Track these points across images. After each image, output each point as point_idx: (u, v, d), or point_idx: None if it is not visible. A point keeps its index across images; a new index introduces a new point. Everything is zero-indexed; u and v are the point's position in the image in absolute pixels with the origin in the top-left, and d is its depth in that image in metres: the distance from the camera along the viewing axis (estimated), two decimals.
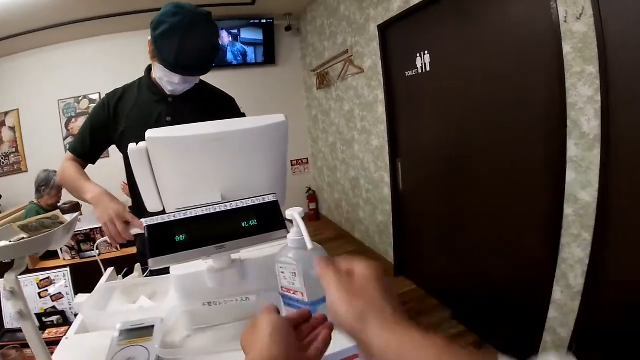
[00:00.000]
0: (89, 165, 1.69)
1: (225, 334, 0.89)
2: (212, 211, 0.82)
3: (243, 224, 0.82)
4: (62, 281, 1.62)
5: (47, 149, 5.36)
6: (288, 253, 0.84)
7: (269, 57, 5.54)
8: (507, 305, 2.48)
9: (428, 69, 2.90)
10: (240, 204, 0.84)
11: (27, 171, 5.44)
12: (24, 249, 0.80)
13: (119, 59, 5.31)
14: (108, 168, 2.58)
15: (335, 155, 4.93)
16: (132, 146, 0.97)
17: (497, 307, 2.57)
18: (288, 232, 0.85)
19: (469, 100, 2.53)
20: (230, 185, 1.01)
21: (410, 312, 3.08)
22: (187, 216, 0.80)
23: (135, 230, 1.24)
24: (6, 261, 0.84)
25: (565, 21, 1.80)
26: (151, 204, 1.06)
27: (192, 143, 0.94)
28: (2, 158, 5.52)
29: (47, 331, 1.34)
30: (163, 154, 0.96)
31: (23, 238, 0.87)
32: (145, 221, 0.79)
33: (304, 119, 5.95)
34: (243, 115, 1.75)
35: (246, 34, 5.36)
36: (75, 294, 1.60)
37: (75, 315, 1.57)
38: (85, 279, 1.59)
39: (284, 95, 5.81)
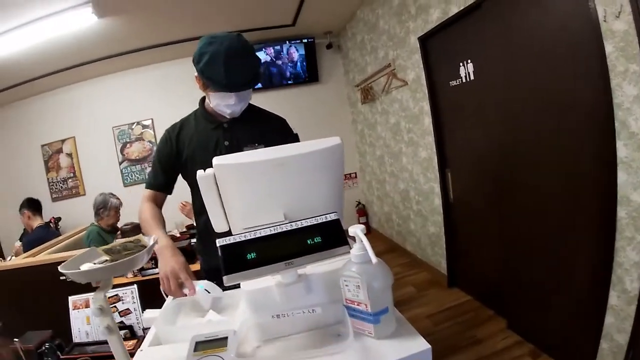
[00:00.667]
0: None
1: (294, 345, 0.94)
2: (279, 230, 0.88)
3: (308, 242, 0.88)
4: (130, 298, 1.73)
5: (104, 173, 5.71)
6: (351, 267, 0.90)
7: (312, 75, 5.67)
8: (563, 312, 2.40)
9: (472, 77, 2.90)
10: (304, 223, 0.90)
11: (84, 195, 5.81)
12: (112, 270, 0.88)
13: (169, 86, 5.59)
14: None
15: (384, 168, 4.94)
16: (200, 173, 1.05)
17: (552, 315, 2.49)
18: (350, 248, 0.90)
19: (514, 106, 2.49)
20: (292, 205, 1.08)
21: (465, 324, 3.10)
22: (256, 236, 0.87)
23: (186, 291, 1.28)
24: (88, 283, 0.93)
25: (604, 20, 1.78)
26: (218, 225, 1.14)
27: (255, 168, 1.01)
28: (61, 183, 5.90)
29: None
30: (229, 179, 1.03)
31: (107, 260, 0.96)
32: (219, 241, 0.87)
33: (350, 133, 6.01)
34: (295, 135, 1.83)
35: (288, 54, 5.50)
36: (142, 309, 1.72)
37: (143, 329, 1.67)
38: (147, 295, 1.70)
39: (330, 111, 5.92)
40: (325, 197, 1.12)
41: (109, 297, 1.55)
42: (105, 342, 1.43)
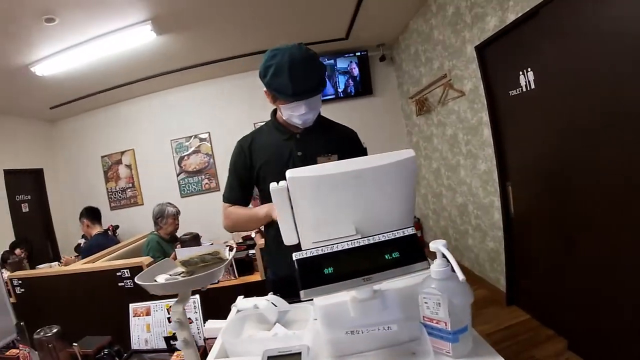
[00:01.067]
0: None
1: None
2: (356, 245, 0.86)
3: (386, 257, 0.85)
4: (192, 307, 1.74)
5: (161, 184, 5.94)
6: (431, 284, 0.86)
7: (366, 88, 5.68)
8: (629, 333, 2.24)
9: (533, 86, 2.79)
10: (381, 238, 0.88)
11: (142, 204, 6.09)
12: (190, 284, 0.88)
13: (225, 100, 5.76)
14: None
15: (440, 181, 4.83)
16: (273, 185, 1.05)
17: (617, 335, 2.34)
18: (429, 264, 0.87)
19: (580, 116, 2.38)
20: (364, 219, 1.05)
21: (523, 343, 2.98)
22: (333, 250, 0.86)
23: None
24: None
25: None
26: (288, 237, 1.13)
27: (330, 180, 1.00)
28: (119, 192, 6.22)
29: (175, 353, 1.42)
30: (302, 191, 1.02)
31: (183, 273, 0.96)
32: (295, 255, 0.86)
33: (405, 146, 5.90)
34: (364, 149, 1.87)
35: (342, 67, 5.53)
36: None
37: (205, 339, 1.67)
38: (209, 305, 1.69)
39: (384, 124, 5.88)
40: (398, 211, 1.09)
41: (171, 307, 1.56)
42: (164, 351, 1.45)
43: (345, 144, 1.79)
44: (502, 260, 3.59)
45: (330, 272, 0.83)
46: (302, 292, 0.81)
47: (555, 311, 2.98)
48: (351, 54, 5.48)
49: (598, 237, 2.40)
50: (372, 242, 0.87)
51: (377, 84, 5.83)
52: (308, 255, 0.85)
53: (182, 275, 0.93)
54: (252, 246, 3.27)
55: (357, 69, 5.59)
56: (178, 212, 4.02)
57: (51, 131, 6.27)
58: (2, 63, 3.81)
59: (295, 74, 1.51)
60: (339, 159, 1.14)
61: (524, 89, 2.88)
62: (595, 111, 2.26)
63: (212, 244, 4.05)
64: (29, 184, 5.77)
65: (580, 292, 2.63)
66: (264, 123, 1.88)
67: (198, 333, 1.53)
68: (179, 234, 4.01)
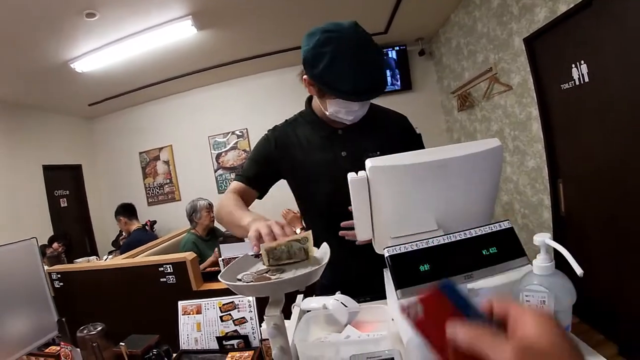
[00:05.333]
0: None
1: None
2: (452, 239, 0.80)
3: (484, 252, 0.79)
4: (246, 306, 1.69)
5: (199, 180, 5.98)
6: (534, 280, 0.80)
7: (405, 83, 5.58)
8: None
9: (586, 79, 2.67)
10: (477, 232, 0.82)
11: (180, 200, 6.16)
12: (288, 285, 0.78)
13: (262, 97, 5.74)
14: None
15: None
16: (351, 175, 0.99)
17: None
18: (529, 260, 0.81)
19: (637, 111, 2.27)
20: (446, 212, 1.00)
21: None
22: (428, 245, 0.80)
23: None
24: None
25: None
26: (362, 233, 1.08)
27: (412, 170, 0.94)
28: (157, 188, 6.30)
29: (229, 355, 1.37)
30: (383, 182, 0.97)
31: (268, 269, 0.89)
32: (387, 251, 0.80)
33: (445, 142, 5.74)
34: (419, 135, 1.67)
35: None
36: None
37: (261, 340, 1.62)
38: (264, 304, 1.63)
39: (423, 120, 5.69)
40: (481, 205, 1.03)
41: (223, 304, 1.51)
42: (216, 351, 1.39)
43: (397, 134, 1.56)
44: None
45: (426, 269, 0.77)
46: (398, 292, 0.75)
47: (607, 315, 2.86)
48: (390, 49, 5.38)
49: None
50: (468, 236, 0.81)
51: (416, 79, 5.73)
52: (402, 251, 0.79)
53: (269, 273, 0.87)
54: None
55: (396, 64, 5.50)
56: (211, 205, 4.01)
57: (90, 128, 6.41)
58: (43, 59, 3.88)
59: (358, 68, 1.23)
60: (391, 152, 0.99)
61: (577, 82, 2.76)
62: None
63: None
64: (67, 180, 5.92)
65: (634, 297, 2.52)
66: (297, 113, 1.64)
67: (253, 333, 1.48)
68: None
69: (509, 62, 3.59)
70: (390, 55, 5.47)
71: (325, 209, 1.38)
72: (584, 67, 2.67)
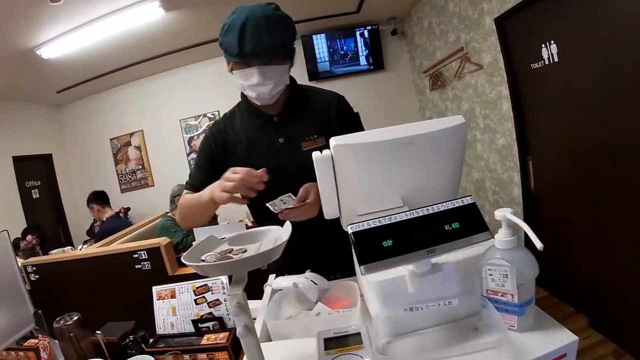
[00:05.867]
0: None
1: (431, 340, 0.87)
2: (415, 215, 0.81)
3: (446, 227, 0.80)
4: (219, 288, 1.68)
5: (172, 164, 5.89)
6: (496, 254, 0.82)
7: (377, 63, 5.57)
8: None
9: (556, 59, 2.71)
10: (440, 207, 0.82)
11: (153, 186, 6.08)
12: (249, 263, 0.77)
13: (233, 78, 5.59)
14: None
15: None
16: (316, 154, 0.99)
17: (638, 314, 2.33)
18: (492, 235, 0.82)
19: (605, 90, 2.32)
20: (411, 189, 1.01)
21: None
22: (392, 221, 0.80)
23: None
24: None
25: None
26: (330, 212, 1.08)
27: (377, 148, 0.94)
28: (129, 174, 6.19)
29: (205, 337, 1.37)
30: (348, 160, 0.97)
31: (231, 249, 0.89)
32: (351, 227, 0.80)
33: (417, 121, 5.79)
34: (356, 114, 1.62)
35: (352, 42, 5.44)
36: None
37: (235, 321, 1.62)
38: None
39: (395, 99, 5.79)
40: (447, 182, 1.05)
41: (197, 287, 1.50)
42: (192, 334, 1.39)
43: (333, 115, 1.52)
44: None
45: (389, 245, 0.77)
46: (362, 267, 0.75)
47: (577, 288, 2.96)
48: (362, 29, 5.36)
49: (623, 213, 2.36)
50: (431, 212, 0.81)
51: (389, 58, 5.71)
52: (365, 228, 0.79)
53: (233, 253, 0.87)
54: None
55: (368, 43, 5.51)
56: None
57: (59, 115, 6.21)
58: (7, 46, 3.72)
59: (246, 31, 1.27)
60: (328, 136, 1.00)
61: (547, 62, 2.80)
62: (622, 84, 2.21)
63: (227, 223, 4.02)
64: (38, 170, 5.74)
65: (602, 269, 2.61)
66: (235, 105, 1.62)
67: (227, 315, 1.48)
68: None
69: (480, 42, 3.61)
70: (362, 35, 5.44)
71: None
72: (554, 47, 2.71)
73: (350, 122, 1.54)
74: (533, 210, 3.36)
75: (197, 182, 1.51)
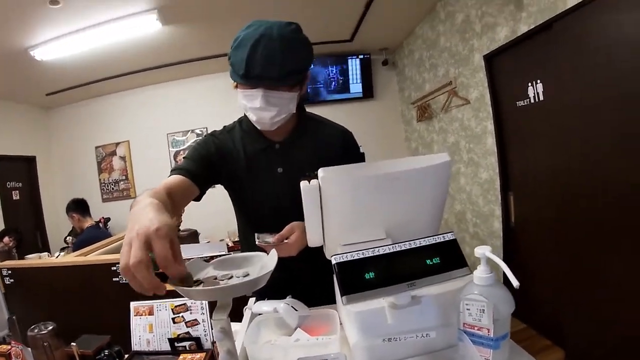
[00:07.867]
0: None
1: None
2: (397, 249, 0.84)
3: (427, 262, 0.83)
4: (198, 308, 1.68)
5: (156, 177, 5.69)
6: (474, 290, 0.84)
7: (368, 91, 5.67)
8: (630, 346, 2.26)
9: (541, 98, 2.80)
10: (422, 242, 0.85)
11: (135, 197, 5.89)
12: (236, 290, 0.77)
13: (224, 96, 5.67)
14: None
15: None
16: (304, 184, 1.01)
17: (618, 348, 2.36)
18: (471, 271, 0.86)
19: (589, 129, 2.40)
20: (394, 223, 1.03)
21: None
22: (374, 254, 0.83)
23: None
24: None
25: None
26: (313, 239, 1.10)
27: (365, 182, 0.97)
28: (112, 184, 6.11)
29: (181, 356, 1.36)
30: (335, 192, 0.99)
31: (215, 276, 0.90)
32: (334, 258, 0.82)
33: (403, 151, 5.91)
34: (362, 153, 1.61)
35: (344, 69, 5.53)
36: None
37: (213, 342, 1.61)
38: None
39: (382, 128, 5.87)
40: (430, 217, 1.08)
41: (175, 306, 1.50)
42: (168, 353, 1.38)
43: (338, 152, 1.47)
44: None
45: (371, 277, 0.80)
46: (344, 298, 0.77)
47: (554, 321, 2.99)
48: (354, 57, 5.47)
49: (600, 250, 2.42)
50: (413, 246, 0.85)
51: (378, 87, 5.82)
52: (349, 259, 0.82)
53: (219, 278, 0.87)
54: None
55: (360, 72, 5.61)
56: None
57: (46, 118, 6.14)
58: (1, 45, 3.72)
59: (257, 51, 1.17)
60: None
61: (532, 101, 2.90)
62: (604, 126, 2.29)
63: (208, 242, 4.00)
64: (20, 172, 5.65)
65: (580, 303, 2.65)
66: (236, 120, 1.55)
67: (205, 335, 1.48)
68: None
69: (468, 77, 3.71)
70: (354, 64, 5.55)
71: (266, 225, 1.36)
72: (540, 86, 2.80)
73: (355, 162, 1.43)
74: (513, 243, 3.41)
75: (190, 169, 1.35)
